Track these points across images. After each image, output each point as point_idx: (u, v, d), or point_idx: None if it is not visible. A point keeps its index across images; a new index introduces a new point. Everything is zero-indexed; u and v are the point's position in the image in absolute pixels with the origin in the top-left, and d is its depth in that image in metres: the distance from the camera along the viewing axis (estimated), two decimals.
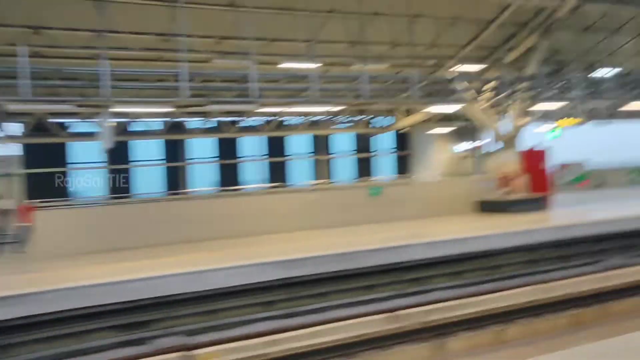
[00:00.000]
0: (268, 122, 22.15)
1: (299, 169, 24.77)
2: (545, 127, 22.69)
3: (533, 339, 8.32)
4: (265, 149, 23.99)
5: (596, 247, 13.76)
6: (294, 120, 22.50)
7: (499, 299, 9.95)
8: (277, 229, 15.01)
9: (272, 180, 23.74)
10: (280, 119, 21.96)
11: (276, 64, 15.49)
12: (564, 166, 28.20)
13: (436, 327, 8.32)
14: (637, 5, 17.77)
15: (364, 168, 26.11)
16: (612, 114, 27.99)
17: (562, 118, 20.15)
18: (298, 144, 24.78)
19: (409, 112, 22.05)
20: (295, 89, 14.19)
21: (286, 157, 24.60)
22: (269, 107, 16.29)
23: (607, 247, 13.87)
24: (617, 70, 19.86)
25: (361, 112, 23.30)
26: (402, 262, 11.20)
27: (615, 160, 33.41)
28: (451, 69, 17.15)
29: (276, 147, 24.15)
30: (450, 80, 15.79)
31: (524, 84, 16.56)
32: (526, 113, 18.08)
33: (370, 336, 7.97)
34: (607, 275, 11.25)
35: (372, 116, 24.20)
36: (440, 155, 26.04)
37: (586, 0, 16.56)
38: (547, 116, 24.86)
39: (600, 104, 22.78)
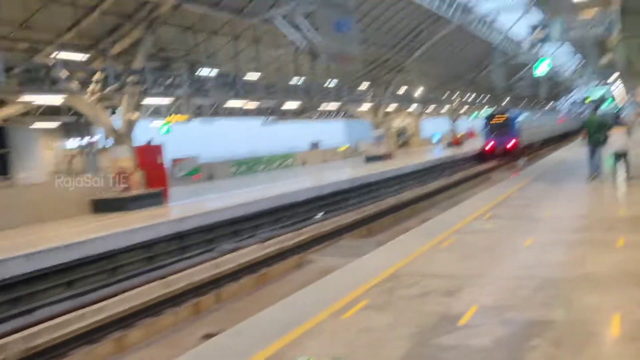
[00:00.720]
0: None
1: None
2: (158, 122, 23.05)
3: (156, 338, 8.06)
4: None
5: (210, 236, 14.60)
6: None
7: (120, 302, 9.39)
8: None
9: None
10: None
11: None
12: (178, 160, 29.30)
13: (46, 350, 7.19)
14: (230, 11, 19.61)
15: None
16: (216, 112, 30.73)
17: (171, 114, 20.72)
18: None
19: (0, 104, 18.84)
20: None
21: None
22: None
23: (219, 234, 14.91)
24: (216, 70, 21.55)
25: None
26: None
27: (221, 154, 36.86)
28: (50, 56, 15.33)
29: None
30: (50, 68, 14.04)
31: (132, 78, 16.19)
32: (137, 108, 17.79)
33: None
34: (220, 261, 12.07)
35: None
36: (47, 153, 23.39)
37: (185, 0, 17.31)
38: (158, 111, 25.32)
39: (204, 101, 24.52)
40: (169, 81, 18.35)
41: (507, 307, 4.55)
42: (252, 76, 23.68)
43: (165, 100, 18.40)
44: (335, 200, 19.93)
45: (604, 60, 31.04)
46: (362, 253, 11.02)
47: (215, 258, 12.20)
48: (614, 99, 65.57)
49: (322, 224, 15.79)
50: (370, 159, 33.83)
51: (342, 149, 48.65)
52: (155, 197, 17.61)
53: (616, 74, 33.53)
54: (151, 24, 16.35)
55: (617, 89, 56.58)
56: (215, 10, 19.08)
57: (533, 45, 14.29)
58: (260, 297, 10.15)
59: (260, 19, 19.87)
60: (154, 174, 18.91)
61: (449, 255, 6.69)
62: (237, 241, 14.79)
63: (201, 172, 30.73)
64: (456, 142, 45.91)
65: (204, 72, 20.61)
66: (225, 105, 29.25)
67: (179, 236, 13.71)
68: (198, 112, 29.18)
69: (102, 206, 16.64)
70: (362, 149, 44.82)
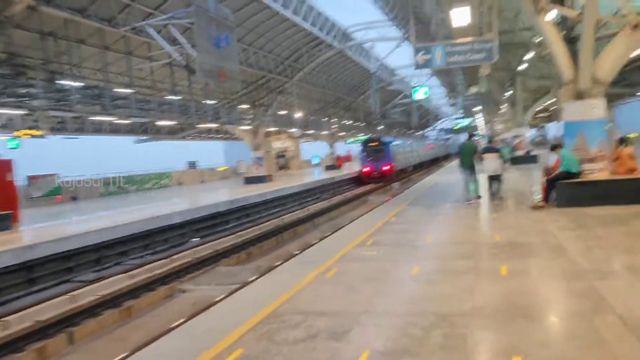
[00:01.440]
0: None
1: None
2: (6, 136, 20.50)
3: None
4: None
5: (68, 264, 12.94)
6: None
7: None
8: None
9: None
10: None
11: None
12: (34, 178, 26.43)
13: None
14: (99, 19, 18.02)
15: None
16: (81, 127, 28.18)
17: (24, 128, 18.42)
18: None
19: None
20: None
21: None
22: None
23: (79, 262, 13.29)
24: (81, 82, 19.60)
25: None
26: None
27: (88, 172, 33.96)
28: None
29: None
30: None
31: None
32: None
33: None
34: (77, 294, 10.58)
35: None
36: None
37: (43, 1, 15.53)
38: (11, 124, 22.52)
39: (67, 115, 22.27)
40: (23, 91, 16.25)
41: (401, 352, 4.06)
42: (124, 90, 21.97)
43: (14, 112, 16.21)
44: (213, 224, 18.91)
45: (472, 90, 33.43)
46: (240, 281, 10.29)
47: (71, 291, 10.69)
48: (477, 129, 71.36)
49: (197, 249, 14.75)
50: (250, 180, 33.10)
51: (221, 169, 47.43)
52: (1, 220, 15.39)
53: (480, 106, 36.23)
54: (0, 26, 14.38)
55: (480, 119, 61.61)
56: (81, 17, 17.43)
57: (418, 66, 14.65)
58: (124, 334, 8.97)
59: (132, 30, 18.50)
60: (1, 194, 16.59)
61: (334, 287, 6.17)
62: (100, 270, 13.27)
63: (63, 192, 27.98)
64: (340, 164, 46.90)
65: (67, 83, 18.63)
66: (92, 120, 26.98)
67: (28, 266, 11.92)
68: (60, 127, 26.58)
69: None
70: (241, 170, 43.95)
